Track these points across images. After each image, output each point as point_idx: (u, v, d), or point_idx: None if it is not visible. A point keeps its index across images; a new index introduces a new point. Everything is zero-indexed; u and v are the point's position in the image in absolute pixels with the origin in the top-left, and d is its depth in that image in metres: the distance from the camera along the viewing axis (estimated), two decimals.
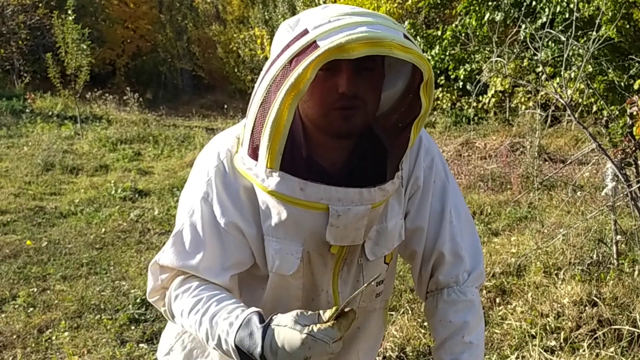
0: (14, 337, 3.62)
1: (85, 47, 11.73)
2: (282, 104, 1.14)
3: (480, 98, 10.31)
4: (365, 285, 1.15)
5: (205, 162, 1.35)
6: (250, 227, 1.31)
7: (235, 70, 19.48)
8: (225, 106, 16.06)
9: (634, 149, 3.66)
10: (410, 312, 3.62)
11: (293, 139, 1.23)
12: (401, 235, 1.44)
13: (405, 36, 1.16)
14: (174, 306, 1.32)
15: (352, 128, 1.25)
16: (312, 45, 1.12)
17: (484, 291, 3.86)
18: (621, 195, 4.00)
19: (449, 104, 11.40)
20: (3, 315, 3.93)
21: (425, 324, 3.41)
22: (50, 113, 12.97)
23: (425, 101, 1.24)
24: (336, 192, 1.23)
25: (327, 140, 1.30)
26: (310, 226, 1.28)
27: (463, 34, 8.32)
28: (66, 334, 3.66)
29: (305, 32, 1.15)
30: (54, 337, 3.63)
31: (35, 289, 4.33)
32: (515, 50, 6.42)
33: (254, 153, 1.24)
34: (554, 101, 7.65)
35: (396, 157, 1.34)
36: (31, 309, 4.01)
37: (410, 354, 3.24)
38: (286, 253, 1.31)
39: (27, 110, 12.56)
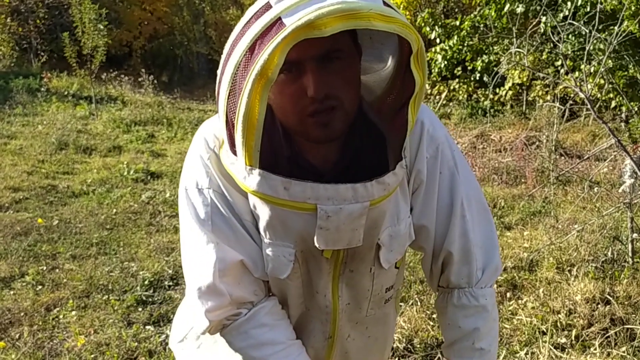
0: (22, 314, 3.63)
1: (102, 27, 11.72)
2: (251, 96, 0.97)
3: (497, 90, 10.21)
4: None
5: (196, 154, 1.21)
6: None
7: None
8: None
9: None
10: (419, 303, 3.58)
11: (272, 133, 1.09)
12: (411, 235, 1.31)
13: (385, 3, 0.98)
14: (235, 338, 1.24)
15: (331, 134, 1.10)
16: (277, 23, 0.95)
17: (495, 286, 3.81)
18: (639, 192, 3.94)
19: (465, 96, 11.29)
20: (11, 292, 3.94)
21: (434, 316, 3.37)
22: (65, 93, 12.99)
23: (418, 76, 1.07)
24: (325, 189, 1.07)
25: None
26: (299, 228, 1.13)
27: (482, 25, 8.21)
28: (73, 313, 3.66)
29: (268, 6, 0.98)
30: (61, 316, 3.63)
31: (45, 267, 4.33)
32: (534, 43, 6.31)
33: (232, 148, 1.09)
34: (573, 95, 7.55)
35: (395, 145, 1.17)
36: (40, 287, 4.01)
37: (418, 345, 3.20)
38: (277, 256, 1.18)
39: (43, 89, 12.57)
